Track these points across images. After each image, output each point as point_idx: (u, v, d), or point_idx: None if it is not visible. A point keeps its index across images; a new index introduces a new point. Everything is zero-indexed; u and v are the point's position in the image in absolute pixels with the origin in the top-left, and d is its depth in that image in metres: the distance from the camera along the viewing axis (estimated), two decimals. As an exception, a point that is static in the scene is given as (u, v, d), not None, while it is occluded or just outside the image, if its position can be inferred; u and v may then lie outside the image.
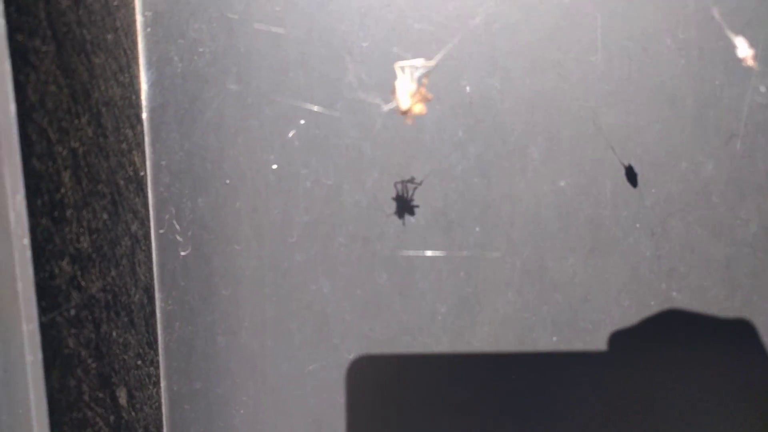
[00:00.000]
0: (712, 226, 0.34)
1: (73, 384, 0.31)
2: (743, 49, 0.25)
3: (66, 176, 0.30)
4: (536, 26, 0.33)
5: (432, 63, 0.28)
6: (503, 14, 0.33)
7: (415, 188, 0.36)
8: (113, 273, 0.35)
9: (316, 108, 0.35)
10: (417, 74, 0.27)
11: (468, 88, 0.34)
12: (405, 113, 0.27)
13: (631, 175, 0.34)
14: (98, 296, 0.33)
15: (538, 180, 0.35)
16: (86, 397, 0.32)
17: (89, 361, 0.32)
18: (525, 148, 0.35)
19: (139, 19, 0.37)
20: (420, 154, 0.35)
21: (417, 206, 0.36)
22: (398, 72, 0.27)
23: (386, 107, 0.31)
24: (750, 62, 0.26)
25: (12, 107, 0.26)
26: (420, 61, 0.27)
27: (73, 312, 0.31)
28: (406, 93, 0.26)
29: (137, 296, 0.38)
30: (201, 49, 0.37)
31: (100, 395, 0.33)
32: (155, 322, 0.41)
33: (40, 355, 0.28)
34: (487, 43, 0.33)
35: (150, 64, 0.37)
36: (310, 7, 0.35)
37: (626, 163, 0.34)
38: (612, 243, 0.35)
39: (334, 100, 0.36)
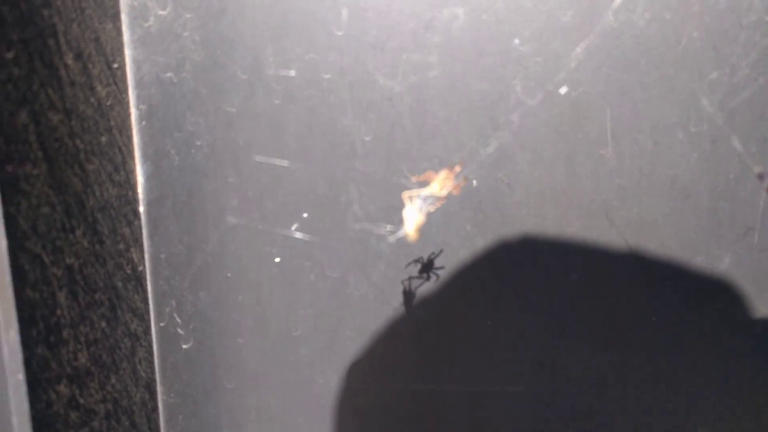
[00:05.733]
0: (732, 320, 0.33)
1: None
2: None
3: (61, 297, 0.29)
4: (545, 120, 0.32)
5: (443, 193, 0.27)
6: (512, 114, 0.32)
7: (422, 283, 0.35)
8: (113, 380, 0.34)
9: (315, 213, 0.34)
10: (424, 206, 0.26)
11: (475, 182, 0.33)
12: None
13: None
14: (98, 409, 0.32)
15: (550, 273, 0.34)
16: None
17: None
18: (534, 242, 0.34)
19: (133, 113, 0.35)
20: (428, 248, 0.34)
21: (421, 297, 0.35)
22: (406, 201, 0.26)
23: (393, 238, 0.30)
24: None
25: (3, 243, 0.24)
26: (428, 191, 0.26)
27: (71, 434, 0.30)
28: (414, 224, 0.25)
29: (138, 395, 0.37)
30: (198, 143, 0.35)
31: None
32: (158, 416, 0.39)
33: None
34: (494, 137, 0.32)
35: (146, 158, 0.36)
36: (309, 102, 0.34)
37: (638, 253, 0.33)
38: (630, 335, 0.34)
39: (339, 193, 0.35)
